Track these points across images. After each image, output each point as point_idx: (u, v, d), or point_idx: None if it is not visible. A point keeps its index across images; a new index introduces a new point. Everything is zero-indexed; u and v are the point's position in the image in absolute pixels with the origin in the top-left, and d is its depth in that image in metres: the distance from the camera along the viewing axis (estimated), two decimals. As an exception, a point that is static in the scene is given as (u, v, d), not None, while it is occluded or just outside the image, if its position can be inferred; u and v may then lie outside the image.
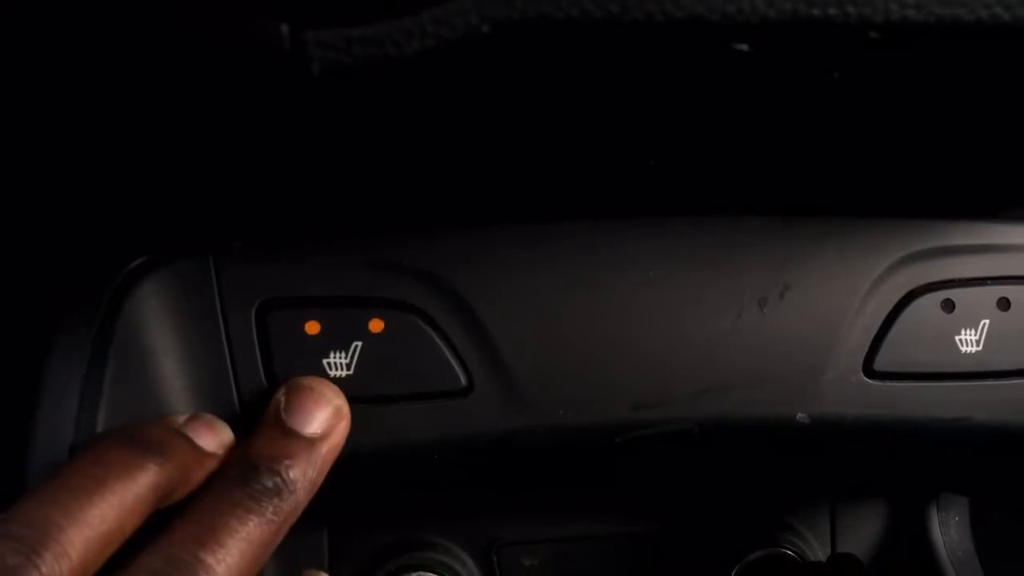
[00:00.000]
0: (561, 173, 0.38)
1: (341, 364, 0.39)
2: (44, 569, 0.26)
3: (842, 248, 0.41)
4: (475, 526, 0.58)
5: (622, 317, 0.40)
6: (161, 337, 0.37)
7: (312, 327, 0.39)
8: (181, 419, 0.35)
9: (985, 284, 0.42)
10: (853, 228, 0.41)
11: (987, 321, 0.42)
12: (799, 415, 0.41)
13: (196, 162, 0.36)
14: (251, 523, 0.31)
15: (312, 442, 0.35)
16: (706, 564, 0.60)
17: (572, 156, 0.37)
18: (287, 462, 0.33)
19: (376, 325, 0.39)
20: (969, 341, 0.42)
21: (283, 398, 0.36)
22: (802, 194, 0.41)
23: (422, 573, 0.56)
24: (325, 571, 0.42)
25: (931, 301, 0.42)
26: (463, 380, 0.40)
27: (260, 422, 0.36)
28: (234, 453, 0.35)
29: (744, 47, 0.25)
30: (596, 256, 0.40)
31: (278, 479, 0.33)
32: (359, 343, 0.39)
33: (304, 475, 0.34)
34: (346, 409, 0.37)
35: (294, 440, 0.35)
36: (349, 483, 0.44)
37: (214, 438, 0.35)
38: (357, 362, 0.39)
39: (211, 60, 0.25)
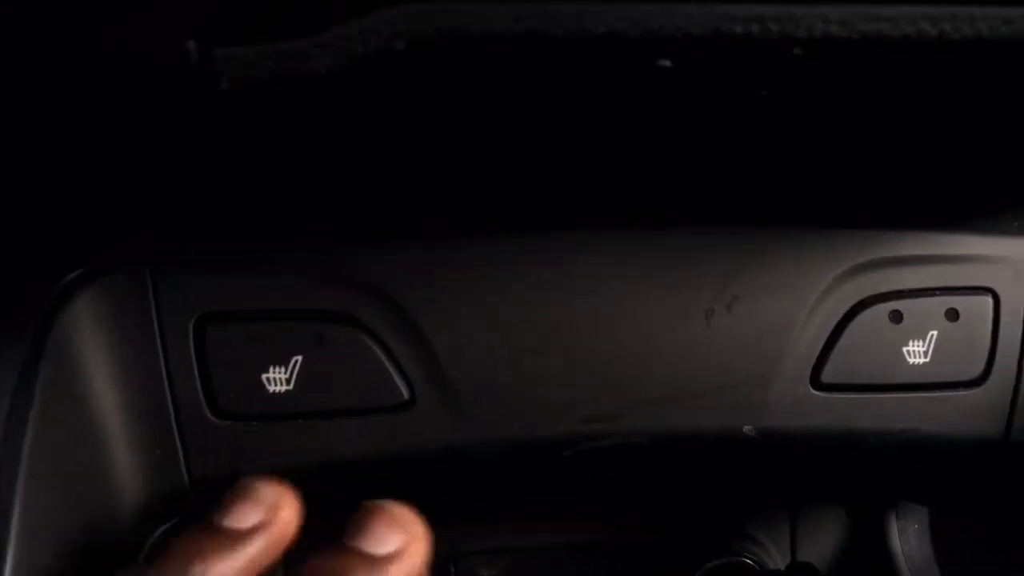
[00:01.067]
0: (503, 185, 0.38)
1: (281, 379, 0.38)
2: None
3: (790, 259, 0.41)
4: (432, 536, 0.57)
5: (567, 330, 0.39)
6: (95, 352, 0.37)
7: (251, 341, 0.38)
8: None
9: (933, 295, 0.42)
10: (801, 239, 0.41)
11: (935, 332, 0.42)
12: (746, 427, 0.41)
13: (131, 174, 0.35)
14: None
15: (378, 561, 0.31)
16: (666, 573, 0.60)
17: (514, 168, 0.37)
18: None
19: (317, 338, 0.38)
20: (917, 352, 0.42)
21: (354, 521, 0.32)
22: (749, 205, 0.41)
23: (377, 585, 0.56)
24: None
25: (879, 312, 0.41)
26: (406, 394, 0.39)
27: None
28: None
29: (667, 63, 0.25)
30: (540, 269, 0.39)
31: None
32: (299, 357, 0.38)
33: None
34: (422, 531, 0.33)
35: (359, 558, 0.31)
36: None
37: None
38: (297, 377, 0.38)
39: (121, 76, 0.24)
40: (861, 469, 0.48)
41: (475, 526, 0.57)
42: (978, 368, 0.42)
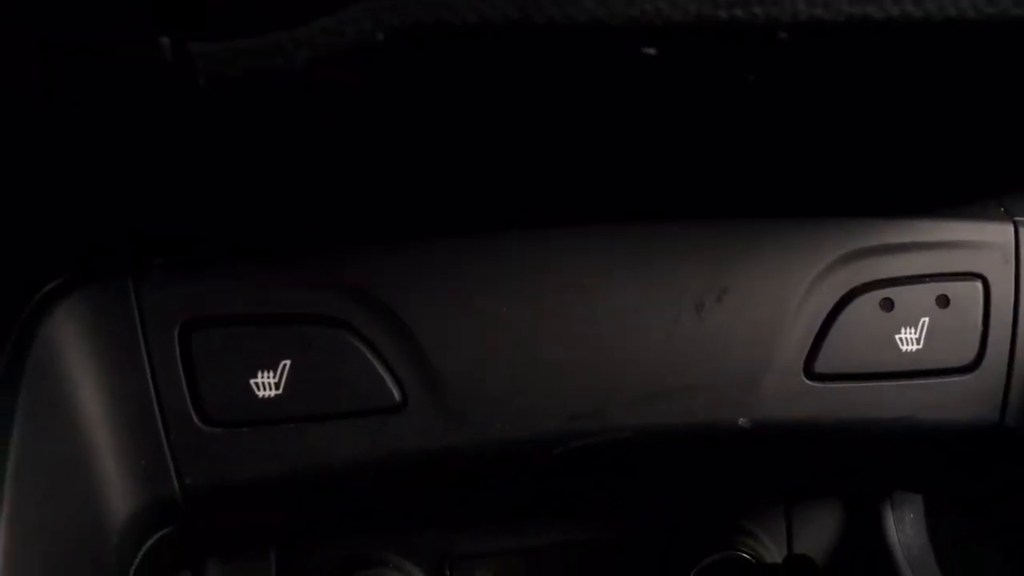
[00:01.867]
0: (488, 184, 0.38)
1: (269, 384, 0.38)
2: None
3: (779, 249, 0.41)
4: (427, 541, 0.57)
5: (557, 327, 0.39)
6: (78, 363, 0.36)
7: (238, 346, 0.37)
8: None
9: (923, 282, 0.42)
10: (789, 229, 0.41)
11: (927, 319, 0.41)
12: (741, 420, 0.41)
13: (110, 181, 0.34)
14: None
15: None
16: (662, 570, 0.59)
17: (500, 166, 0.36)
18: None
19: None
20: (909, 339, 0.41)
21: None
22: (737, 196, 0.41)
23: (374, 590, 0.55)
24: None
25: (870, 300, 0.41)
26: (397, 395, 0.39)
27: None
28: None
29: (652, 51, 0.24)
30: (529, 266, 0.39)
31: None
32: (287, 361, 0.38)
33: None
34: None
35: None
36: (288, 505, 0.43)
37: None
38: (286, 381, 0.38)
39: (94, 74, 0.23)
40: (857, 458, 0.48)
41: (470, 528, 0.57)
42: (971, 353, 0.42)
